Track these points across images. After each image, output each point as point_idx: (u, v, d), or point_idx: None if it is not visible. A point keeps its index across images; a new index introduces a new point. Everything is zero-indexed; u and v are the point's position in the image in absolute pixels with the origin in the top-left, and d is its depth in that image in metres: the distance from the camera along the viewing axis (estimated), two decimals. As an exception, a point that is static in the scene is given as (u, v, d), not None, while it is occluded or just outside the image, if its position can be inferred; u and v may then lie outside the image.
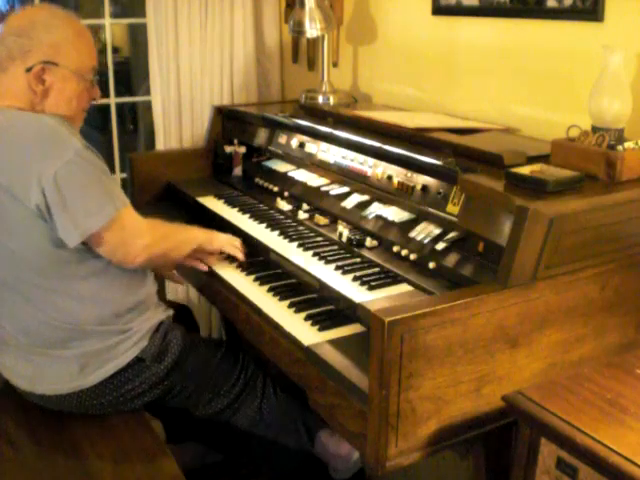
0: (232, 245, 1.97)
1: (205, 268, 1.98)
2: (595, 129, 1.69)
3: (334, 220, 2.04)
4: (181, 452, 2.12)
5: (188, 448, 2.25)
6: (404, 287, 1.67)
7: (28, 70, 1.73)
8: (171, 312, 1.95)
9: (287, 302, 1.76)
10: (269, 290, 1.83)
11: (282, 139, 2.47)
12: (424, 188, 1.83)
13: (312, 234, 2.03)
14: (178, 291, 3.01)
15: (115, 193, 1.71)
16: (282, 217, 2.20)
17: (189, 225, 2.03)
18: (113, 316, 1.78)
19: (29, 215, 1.63)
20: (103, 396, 1.79)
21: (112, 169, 3.18)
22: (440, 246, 1.67)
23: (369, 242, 1.86)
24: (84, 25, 1.86)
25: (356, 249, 1.86)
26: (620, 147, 1.59)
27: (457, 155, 1.80)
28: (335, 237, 1.95)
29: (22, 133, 1.67)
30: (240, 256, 1.97)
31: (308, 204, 2.17)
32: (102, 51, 3.01)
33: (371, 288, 1.66)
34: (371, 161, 2.06)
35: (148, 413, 1.92)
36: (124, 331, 1.79)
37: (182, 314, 2.23)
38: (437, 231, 1.73)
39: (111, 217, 1.66)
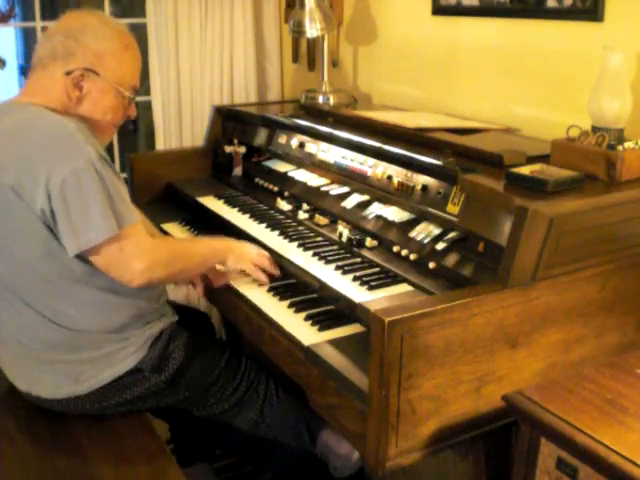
0: (258, 265, 1.87)
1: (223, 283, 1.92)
2: (595, 129, 1.69)
3: (334, 220, 2.04)
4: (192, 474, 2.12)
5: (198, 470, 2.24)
6: (404, 287, 1.67)
7: (68, 73, 1.69)
8: (175, 318, 1.91)
9: (287, 302, 1.76)
10: (269, 290, 1.83)
11: (282, 139, 2.47)
12: (424, 188, 1.83)
13: (312, 234, 2.03)
14: (178, 291, 3.01)
15: (122, 209, 1.63)
16: (282, 217, 2.20)
17: (212, 238, 1.94)
18: (112, 324, 1.74)
19: (34, 219, 1.60)
20: (99, 402, 1.77)
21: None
22: (440, 246, 1.67)
23: (369, 242, 1.86)
24: (135, 42, 1.81)
25: (356, 249, 1.86)
26: (620, 147, 1.60)
27: (457, 155, 1.80)
28: (335, 237, 1.95)
29: (38, 133, 1.63)
30: (264, 280, 1.85)
31: (308, 204, 2.17)
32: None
33: (371, 288, 1.66)
34: (371, 161, 2.06)
35: (149, 413, 1.92)
36: (122, 340, 1.76)
37: (192, 317, 2.19)
38: (437, 231, 1.73)
39: (111, 235, 1.59)
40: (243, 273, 1.90)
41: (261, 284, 1.87)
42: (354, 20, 2.77)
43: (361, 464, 1.99)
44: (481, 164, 1.73)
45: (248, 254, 1.89)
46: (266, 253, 1.92)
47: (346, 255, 1.87)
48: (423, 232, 1.76)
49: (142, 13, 2.99)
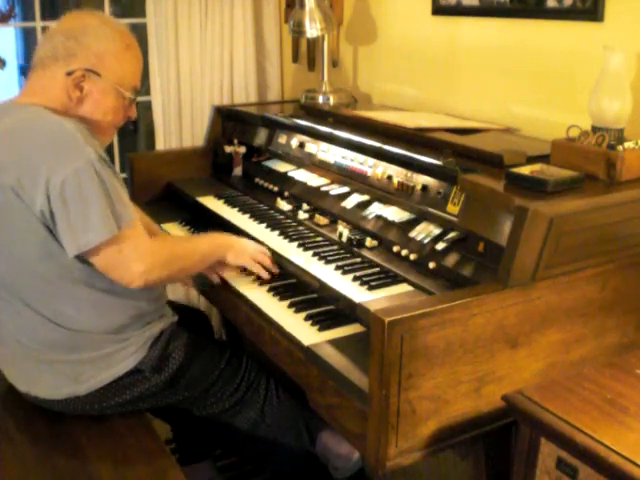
0: (258, 261, 1.88)
1: (217, 280, 1.93)
2: (595, 129, 1.69)
3: (334, 220, 2.04)
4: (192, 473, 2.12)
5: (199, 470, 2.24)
6: (404, 287, 1.67)
7: (69, 74, 1.69)
8: (175, 318, 1.91)
9: (287, 302, 1.76)
10: (269, 290, 1.83)
11: (282, 139, 2.47)
12: (424, 188, 1.83)
13: (312, 234, 2.03)
14: (178, 291, 3.01)
15: (121, 211, 1.62)
16: (282, 217, 2.20)
17: (211, 235, 1.95)
18: (112, 325, 1.74)
19: (33, 219, 1.60)
20: (99, 403, 1.77)
21: (112, 169, 3.18)
22: (440, 246, 1.67)
23: (369, 242, 1.86)
24: (136, 42, 1.81)
25: (356, 249, 1.86)
26: (620, 147, 1.60)
27: (457, 155, 1.80)
28: (335, 237, 1.95)
29: (37, 133, 1.63)
30: (265, 275, 1.88)
31: (308, 204, 2.17)
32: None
33: (371, 288, 1.66)
34: (371, 161, 2.06)
35: (149, 413, 1.92)
36: (121, 340, 1.75)
37: (191, 316, 2.19)
38: (437, 231, 1.73)
39: (110, 236, 1.59)
40: (244, 272, 1.90)
41: (261, 281, 1.87)
42: (354, 20, 2.77)
43: (361, 464, 1.99)
44: (481, 164, 1.73)
45: (247, 249, 1.89)
46: (265, 249, 1.92)
47: (346, 255, 1.87)
48: (423, 232, 1.76)
49: (142, 13, 2.99)
